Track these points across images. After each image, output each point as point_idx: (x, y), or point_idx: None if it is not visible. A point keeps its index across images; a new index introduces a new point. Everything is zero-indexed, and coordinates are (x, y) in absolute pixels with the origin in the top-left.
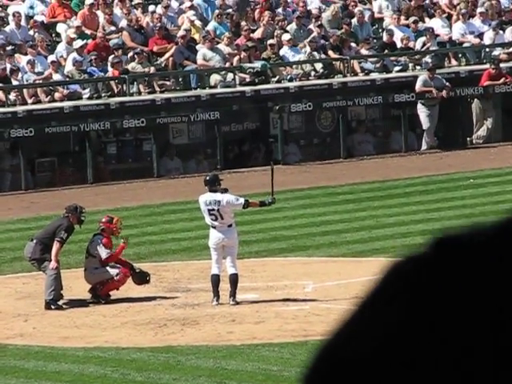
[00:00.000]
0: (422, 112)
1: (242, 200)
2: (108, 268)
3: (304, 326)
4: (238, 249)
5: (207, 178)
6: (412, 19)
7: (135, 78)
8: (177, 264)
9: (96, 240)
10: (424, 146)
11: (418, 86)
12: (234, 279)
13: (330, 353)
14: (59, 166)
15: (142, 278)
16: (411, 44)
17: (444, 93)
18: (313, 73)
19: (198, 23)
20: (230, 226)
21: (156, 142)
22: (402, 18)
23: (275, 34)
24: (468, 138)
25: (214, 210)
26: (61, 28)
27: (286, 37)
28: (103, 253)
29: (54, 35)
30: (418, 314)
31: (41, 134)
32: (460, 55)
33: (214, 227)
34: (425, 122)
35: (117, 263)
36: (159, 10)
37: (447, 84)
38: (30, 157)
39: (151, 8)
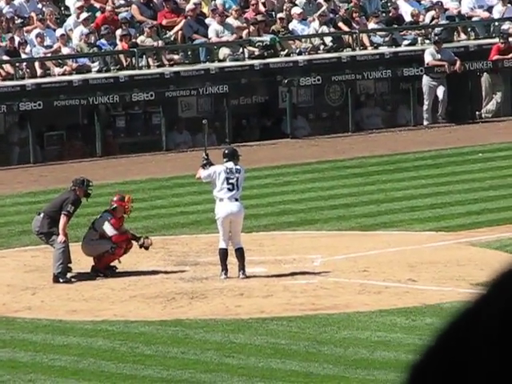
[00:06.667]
0: (427, 86)
1: None
2: (103, 241)
3: (312, 300)
4: (246, 222)
5: (226, 151)
6: None
7: (144, 52)
8: (185, 237)
9: (104, 217)
10: (425, 122)
11: (429, 60)
12: (241, 253)
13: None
14: (68, 140)
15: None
16: (420, 18)
17: (457, 66)
18: (322, 46)
19: None
20: (236, 200)
21: (165, 116)
22: None
23: (284, 7)
24: (477, 112)
25: (233, 178)
26: (70, 1)
27: (295, 10)
28: (110, 232)
29: (62, 8)
30: None
31: (49, 107)
32: (469, 29)
33: (222, 200)
34: (426, 97)
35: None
36: None
37: (455, 58)
38: (39, 130)
39: None
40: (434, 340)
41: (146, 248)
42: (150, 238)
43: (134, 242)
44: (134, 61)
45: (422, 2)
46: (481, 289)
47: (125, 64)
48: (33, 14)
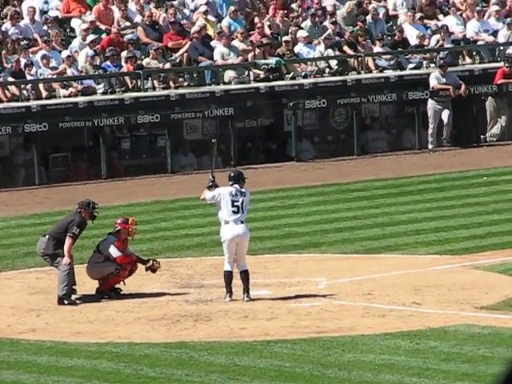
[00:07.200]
0: (432, 109)
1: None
2: (108, 263)
3: (317, 323)
4: (251, 245)
5: (232, 173)
6: (418, 15)
7: (150, 74)
8: (190, 260)
9: (109, 239)
10: (430, 146)
11: (434, 84)
12: (246, 276)
13: None
14: (73, 161)
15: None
16: (426, 41)
17: (462, 90)
18: (327, 69)
19: (212, 19)
20: (242, 222)
21: (170, 138)
22: (417, 15)
23: (290, 30)
24: (482, 136)
25: (238, 201)
26: (75, 23)
27: (300, 33)
28: (114, 253)
29: (68, 30)
30: None
31: (55, 129)
32: (474, 53)
33: (228, 222)
34: (431, 121)
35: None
36: (174, 5)
37: (460, 81)
38: (44, 152)
39: (166, 3)
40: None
41: (154, 271)
42: (159, 261)
43: (139, 264)
44: (139, 83)
45: (428, 26)
46: None
47: (130, 86)
48: (37, 36)
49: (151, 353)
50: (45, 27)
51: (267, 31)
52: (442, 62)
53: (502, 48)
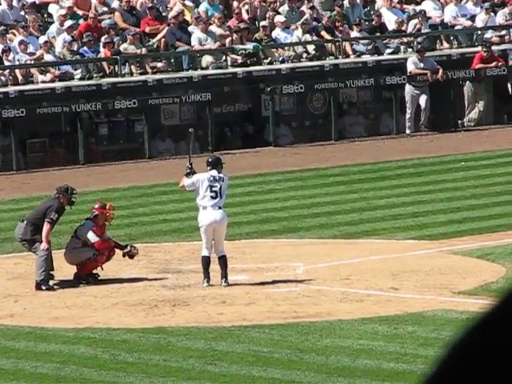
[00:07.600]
0: (409, 94)
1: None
2: (86, 248)
3: (294, 308)
4: (228, 230)
5: (210, 159)
6: None
7: (127, 59)
8: (168, 245)
9: (87, 225)
10: (407, 130)
11: (412, 68)
12: (224, 261)
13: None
14: (50, 147)
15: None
16: (403, 26)
17: (440, 75)
18: (305, 55)
19: (189, 4)
20: (220, 208)
21: (147, 123)
22: (395, 0)
23: (267, 15)
24: (459, 121)
25: (216, 186)
26: (53, 9)
27: (278, 18)
28: (92, 238)
29: (46, 16)
30: None
31: (32, 115)
32: (452, 38)
33: (206, 208)
34: (409, 106)
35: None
36: None
37: (438, 66)
38: (22, 137)
39: None
40: (449, 351)
41: (131, 256)
42: (137, 247)
43: (116, 250)
44: (116, 68)
45: (405, 11)
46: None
47: (107, 71)
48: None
49: (129, 338)
50: (22, 13)
51: (245, 16)
52: (419, 46)
53: (479, 33)
